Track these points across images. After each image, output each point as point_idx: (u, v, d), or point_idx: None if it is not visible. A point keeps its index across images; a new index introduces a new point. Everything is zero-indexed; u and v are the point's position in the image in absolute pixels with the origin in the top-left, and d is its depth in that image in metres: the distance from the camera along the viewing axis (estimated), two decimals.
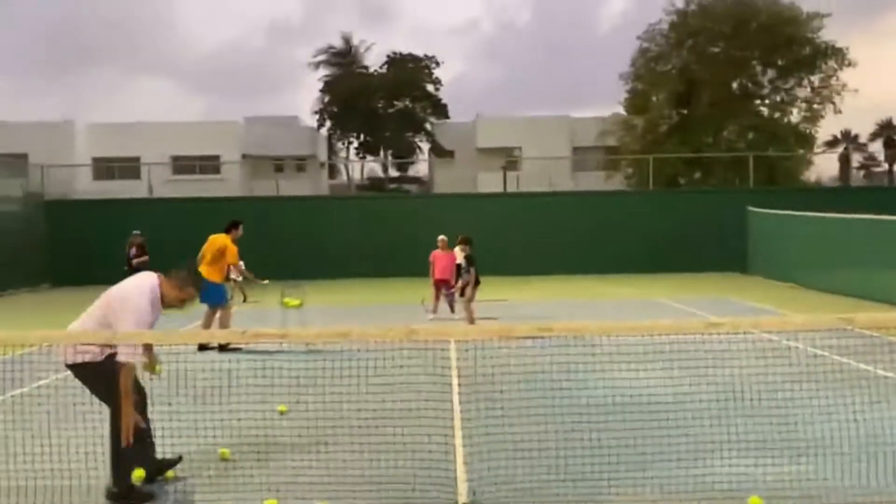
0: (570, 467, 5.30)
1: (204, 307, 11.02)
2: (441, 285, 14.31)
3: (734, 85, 35.44)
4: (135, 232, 18.13)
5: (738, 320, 5.02)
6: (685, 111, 35.03)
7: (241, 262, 13.09)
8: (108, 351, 4.70)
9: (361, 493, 4.94)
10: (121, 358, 4.60)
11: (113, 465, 4.91)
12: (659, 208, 25.69)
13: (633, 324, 4.87)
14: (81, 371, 4.85)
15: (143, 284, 4.93)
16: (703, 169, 34.38)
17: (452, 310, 14.20)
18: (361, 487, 5.01)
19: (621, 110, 36.97)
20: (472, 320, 12.63)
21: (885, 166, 53.17)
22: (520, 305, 16.51)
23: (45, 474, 5.09)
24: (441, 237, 14.63)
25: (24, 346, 9.18)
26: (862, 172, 52.04)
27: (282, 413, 6.98)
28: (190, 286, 5.12)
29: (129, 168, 36.59)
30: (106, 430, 5.01)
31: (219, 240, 11.25)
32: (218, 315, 11.13)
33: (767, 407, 6.45)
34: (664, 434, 5.61)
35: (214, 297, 11.08)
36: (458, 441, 6.03)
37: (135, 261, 16.99)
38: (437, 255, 14.43)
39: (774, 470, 5.21)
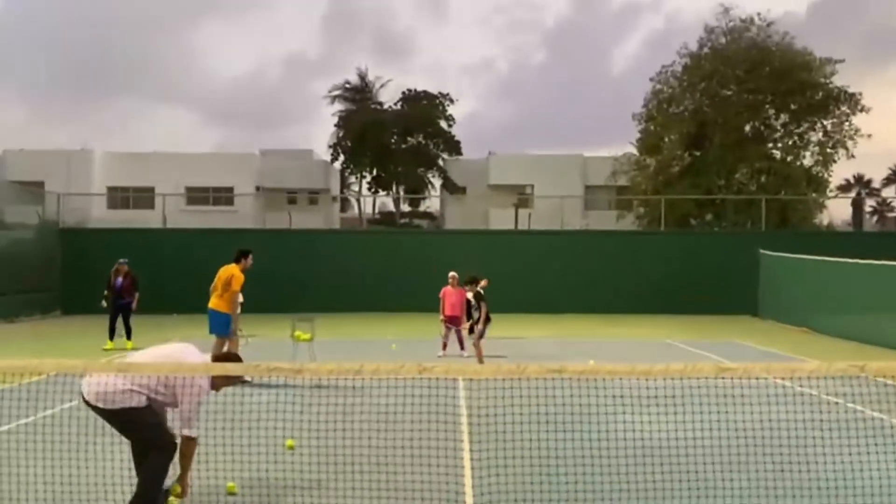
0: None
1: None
2: (451, 322, 14.29)
3: (747, 128, 35.59)
4: (121, 260, 16.48)
5: (750, 365, 5.00)
6: (697, 153, 35.17)
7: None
8: (148, 399, 4.89)
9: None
10: (192, 434, 4.99)
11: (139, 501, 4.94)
12: (670, 249, 25.70)
13: (645, 367, 4.87)
14: (120, 420, 4.92)
15: (205, 385, 5.08)
16: (715, 211, 34.41)
17: (462, 346, 14.17)
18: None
19: (633, 150, 37.18)
20: (480, 358, 12.60)
21: None
22: (530, 344, 16.47)
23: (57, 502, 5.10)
24: (451, 273, 14.66)
25: (36, 375, 9.25)
26: (875, 217, 51.91)
27: (290, 448, 6.96)
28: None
29: (143, 198, 36.96)
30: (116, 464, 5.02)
31: (228, 270, 11.26)
32: (226, 346, 11.14)
33: (779, 453, 6.39)
34: (673, 478, 5.57)
35: (222, 327, 11.10)
36: (468, 481, 6.00)
37: (129, 301, 15.87)
38: (448, 292, 14.43)
39: None
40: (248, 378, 10.35)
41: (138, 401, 4.84)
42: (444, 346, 14.25)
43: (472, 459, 6.44)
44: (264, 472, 6.20)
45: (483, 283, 13.54)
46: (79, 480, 5.40)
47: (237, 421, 6.78)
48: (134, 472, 5.18)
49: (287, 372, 4.49)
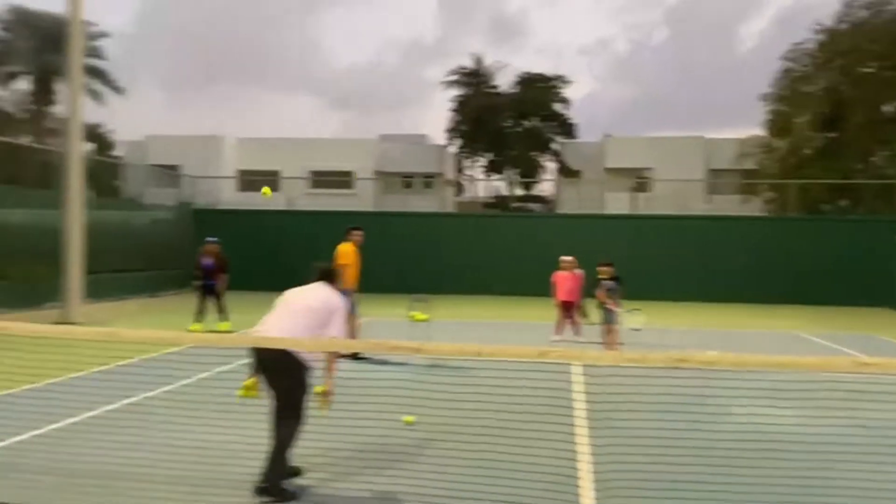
0: (700, 502, 5.09)
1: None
2: (565, 307, 14.12)
3: (887, 107, 33.04)
4: (209, 239, 15.43)
5: (891, 361, 4.66)
6: (832, 134, 32.98)
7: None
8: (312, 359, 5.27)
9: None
10: (339, 333, 5.43)
11: (273, 464, 5.16)
12: (800, 236, 24.33)
13: (779, 359, 4.64)
14: (287, 364, 5.16)
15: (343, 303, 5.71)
16: (850, 196, 32.21)
17: (577, 332, 13.99)
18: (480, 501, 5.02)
19: (760, 132, 35.32)
20: (613, 345, 12.27)
21: None
22: (649, 332, 16.04)
23: (196, 466, 5.44)
24: (564, 258, 14.43)
25: (177, 346, 9.87)
26: None
27: (408, 424, 7.11)
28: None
29: (270, 181, 38.60)
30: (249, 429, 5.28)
31: (340, 248, 11.51)
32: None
33: None
34: (804, 476, 5.28)
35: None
36: (584, 466, 5.93)
37: (217, 283, 14.94)
38: (561, 277, 14.24)
39: None
40: (367, 355, 10.68)
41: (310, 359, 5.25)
42: (559, 330, 14.11)
43: (591, 445, 6.35)
44: (381, 446, 6.37)
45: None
46: (213, 445, 5.73)
47: (358, 395, 6.98)
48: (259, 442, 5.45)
49: (409, 350, 4.57)
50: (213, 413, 6.67)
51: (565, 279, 14.16)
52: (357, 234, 11.67)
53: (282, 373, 5.21)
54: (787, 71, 34.13)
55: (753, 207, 33.04)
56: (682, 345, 13.90)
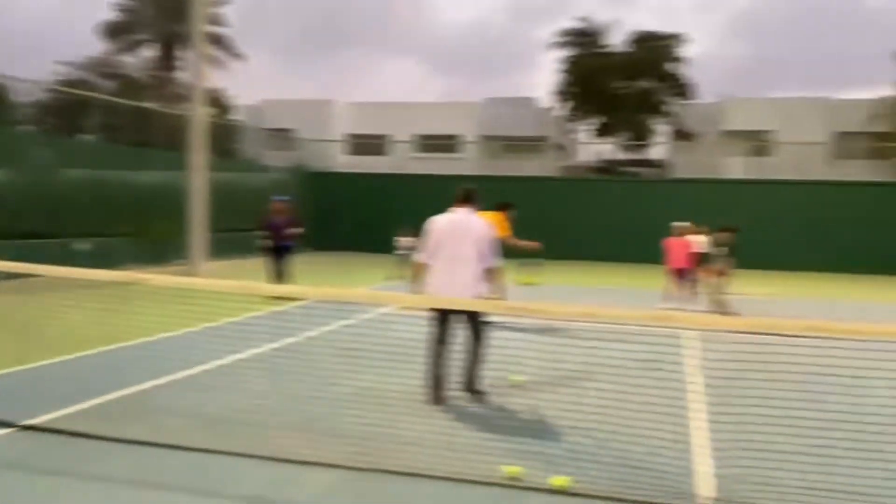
0: (829, 478, 4.90)
1: None
2: (677, 274, 13.77)
3: None
4: (277, 197, 14.45)
5: None
6: None
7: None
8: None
9: (600, 472, 4.97)
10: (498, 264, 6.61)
11: (472, 373, 6.64)
12: None
13: None
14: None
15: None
16: None
17: (690, 300, 13.64)
18: (599, 467, 5.03)
19: (892, 92, 32.75)
20: (726, 311, 12.03)
21: None
22: (767, 302, 15.44)
23: (317, 413, 5.71)
24: (677, 224, 14.03)
25: (299, 300, 10.29)
26: None
27: (518, 384, 7.18)
28: None
29: (376, 144, 39.30)
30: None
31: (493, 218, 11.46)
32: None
33: None
34: None
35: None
36: (702, 433, 5.83)
37: (289, 244, 13.74)
38: (673, 243, 13.88)
39: None
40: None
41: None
42: (669, 298, 13.79)
43: (709, 413, 6.23)
44: (494, 406, 6.48)
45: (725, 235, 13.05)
46: (334, 394, 6.00)
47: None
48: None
49: (528, 311, 4.62)
50: (334, 365, 6.96)
51: (677, 245, 13.80)
52: (510, 211, 11.59)
53: (469, 315, 6.46)
54: None
55: (885, 172, 30.90)
56: (805, 316, 13.30)
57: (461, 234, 6.50)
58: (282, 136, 34.52)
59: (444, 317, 6.45)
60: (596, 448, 5.36)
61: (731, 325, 4.93)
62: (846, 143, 35.39)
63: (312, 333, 8.73)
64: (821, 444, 5.32)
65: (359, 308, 10.56)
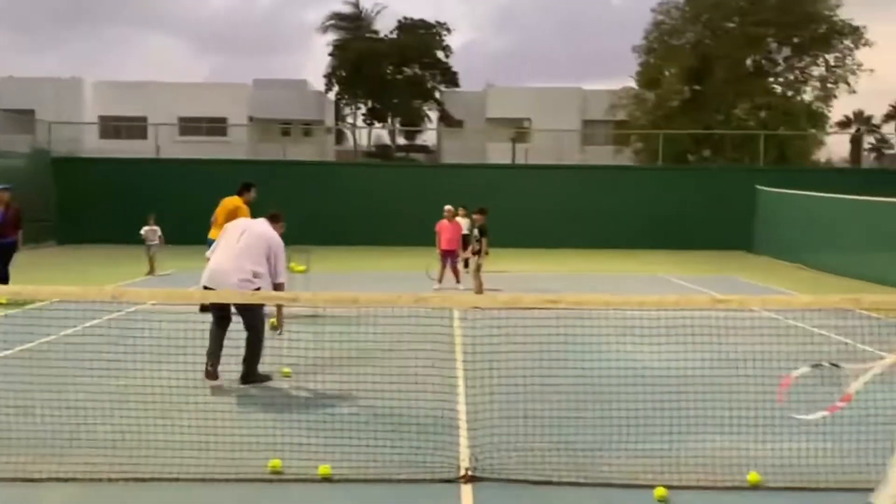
0: (572, 437, 5.37)
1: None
2: (447, 256, 14.31)
3: (748, 62, 35.01)
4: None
5: (745, 297, 5.03)
6: (697, 87, 34.65)
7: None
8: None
9: (365, 456, 5.00)
10: (283, 281, 6.95)
11: (251, 362, 6.81)
12: (666, 184, 25.63)
13: (641, 298, 4.90)
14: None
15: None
16: (713, 146, 34.14)
17: (458, 280, 14.23)
18: (364, 451, 5.07)
19: (633, 84, 36.60)
20: (480, 290, 12.69)
21: None
22: (525, 277, 16.55)
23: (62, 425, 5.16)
24: (447, 207, 14.60)
25: (35, 301, 9.28)
26: (873, 155, 51.56)
27: (285, 376, 7.04)
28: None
29: (136, 128, 36.48)
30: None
31: (232, 202, 11.05)
32: None
33: (770, 384, 6.47)
34: (666, 408, 5.64)
35: None
36: (462, 409, 6.09)
37: (12, 240, 12.23)
38: (444, 226, 14.40)
39: (773, 447, 5.27)
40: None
41: (259, 283, 6.70)
42: (440, 278, 14.29)
43: (466, 388, 6.53)
44: (261, 398, 6.28)
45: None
46: (77, 406, 5.46)
47: (231, 349, 6.82)
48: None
49: (284, 300, 4.50)
50: (75, 370, 6.33)
51: (447, 228, 14.32)
52: (252, 192, 11.17)
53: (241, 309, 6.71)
54: (657, 24, 35.36)
55: (624, 157, 34.40)
56: (554, 289, 14.44)
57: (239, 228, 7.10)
58: (20, 119, 30.81)
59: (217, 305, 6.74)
60: (362, 432, 5.39)
61: (484, 302, 5.17)
62: (593, 130, 38.96)
63: (50, 338, 7.87)
64: (573, 406, 5.80)
65: (106, 307, 9.68)
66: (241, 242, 6.79)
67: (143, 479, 4.63)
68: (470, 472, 4.82)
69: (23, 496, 4.40)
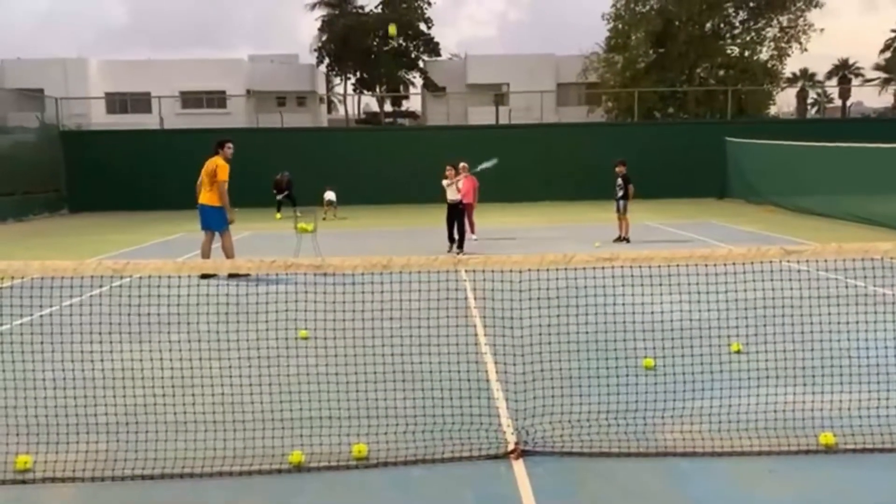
0: (622, 400, 4.40)
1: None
2: (468, 207, 13.00)
3: (708, 25, 33.72)
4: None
5: (819, 247, 4.05)
6: (662, 50, 33.33)
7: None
8: None
9: (398, 434, 4.03)
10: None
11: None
12: (638, 139, 24.52)
13: (705, 252, 3.91)
14: None
15: None
16: (677, 104, 33.07)
17: (473, 230, 13.16)
18: (396, 428, 4.10)
19: (601, 51, 35.16)
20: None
21: (839, 102, 51.97)
22: (521, 230, 15.55)
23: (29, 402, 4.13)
24: (463, 164, 13.05)
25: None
26: (815, 108, 50.71)
27: (303, 338, 6.00)
28: None
29: (140, 102, 34.69)
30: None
31: (212, 162, 9.89)
32: (222, 242, 9.98)
33: (792, 331, 5.54)
34: (715, 362, 4.71)
35: (215, 221, 9.92)
36: (492, 374, 5.13)
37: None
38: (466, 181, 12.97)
39: (843, 400, 4.33)
40: (250, 274, 9.29)
41: None
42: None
43: (494, 350, 5.54)
44: (280, 367, 5.26)
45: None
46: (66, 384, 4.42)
47: (251, 314, 5.79)
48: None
49: (311, 268, 3.48)
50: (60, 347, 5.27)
51: (467, 183, 12.98)
52: (229, 148, 10.05)
53: None
54: None
55: (597, 116, 33.28)
56: (552, 237, 13.50)
57: None
58: (30, 96, 28.96)
59: None
60: (390, 405, 4.41)
61: (535, 262, 4.15)
62: (566, 91, 37.60)
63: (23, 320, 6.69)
64: (615, 364, 4.85)
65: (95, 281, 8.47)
66: None
67: (152, 477, 3.62)
68: (521, 447, 3.86)
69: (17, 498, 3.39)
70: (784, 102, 45.25)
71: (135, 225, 17.80)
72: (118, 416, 4.29)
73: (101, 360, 4.70)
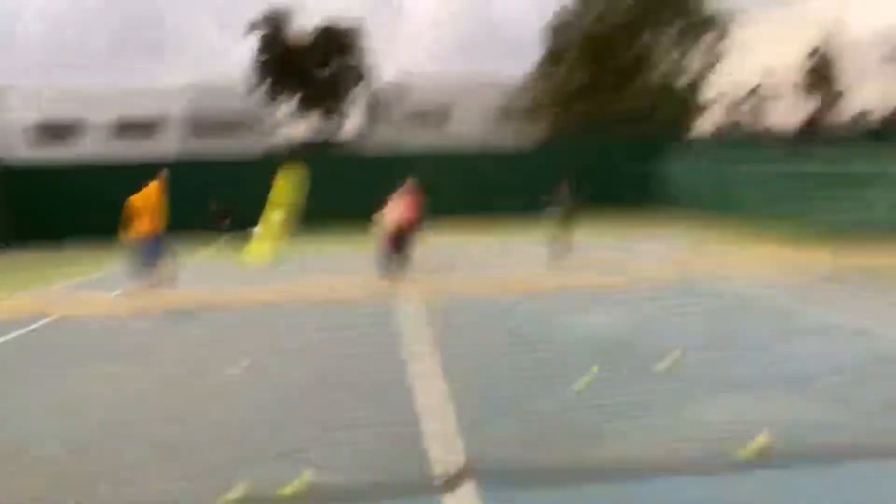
0: (563, 418, 4.62)
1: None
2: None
3: (635, 48, 35.40)
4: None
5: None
6: (593, 72, 34.70)
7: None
8: None
9: (346, 454, 4.14)
10: None
11: None
12: (575, 156, 25.31)
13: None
14: None
15: None
16: (610, 120, 34.46)
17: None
18: (345, 448, 4.21)
19: (536, 72, 36.39)
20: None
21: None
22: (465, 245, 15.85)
23: None
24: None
25: None
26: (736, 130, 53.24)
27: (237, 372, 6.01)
28: None
29: (70, 131, 33.67)
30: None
31: (146, 191, 9.84)
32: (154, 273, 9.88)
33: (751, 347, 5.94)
34: (647, 377, 5.00)
35: (155, 252, 9.81)
36: (431, 396, 5.30)
37: None
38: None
39: (780, 408, 4.65)
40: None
41: None
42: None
43: (444, 376, 5.70)
44: (218, 398, 5.30)
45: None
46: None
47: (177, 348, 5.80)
48: None
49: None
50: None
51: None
52: (162, 174, 10.02)
53: None
54: (555, 24, 35.50)
55: (535, 134, 34.38)
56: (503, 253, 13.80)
57: None
58: None
59: None
60: (339, 427, 4.52)
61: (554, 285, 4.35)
62: (506, 112, 38.51)
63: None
64: (550, 382, 5.07)
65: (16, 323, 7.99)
66: None
67: None
68: (460, 471, 3.99)
69: None
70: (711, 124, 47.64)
71: (64, 260, 17.26)
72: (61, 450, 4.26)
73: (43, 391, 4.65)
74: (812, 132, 42.07)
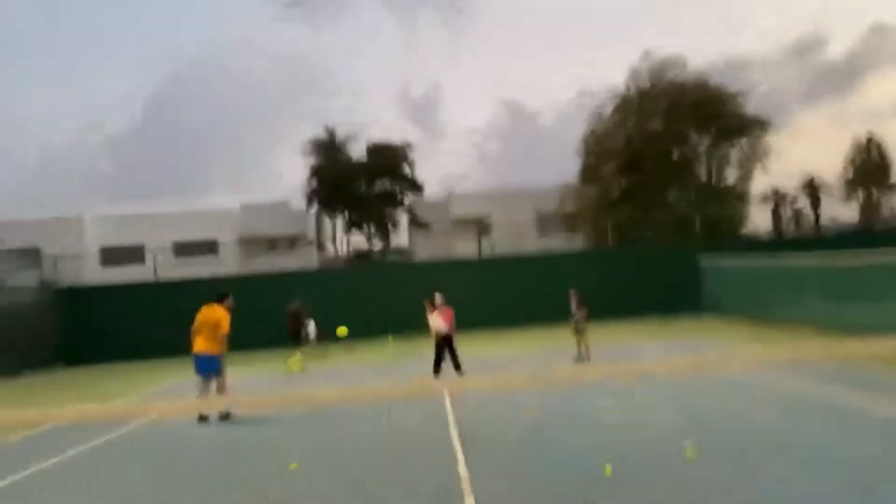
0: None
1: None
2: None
3: (675, 155, 36.28)
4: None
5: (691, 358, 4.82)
6: (634, 178, 35.56)
7: None
8: None
9: None
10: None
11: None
12: (616, 263, 25.79)
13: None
14: None
15: None
16: (651, 229, 34.79)
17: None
18: None
19: (575, 181, 37.48)
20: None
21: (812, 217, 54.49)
22: (503, 357, 16.21)
23: None
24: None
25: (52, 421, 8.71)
26: (791, 225, 52.92)
27: (293, 469, 6.57)
28: None
29: (135, 254, 36.10)
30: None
31: (214, 312, 10.63)
32: (219, 382, 10.61)
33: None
34: (691, 478, 5.34)
35: (213, 367, 10.54)
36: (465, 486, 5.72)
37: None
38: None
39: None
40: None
41: None
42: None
43: (469, 467, 6.13)
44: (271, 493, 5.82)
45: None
46: None
47: (244, 450, 6.39)
48: None
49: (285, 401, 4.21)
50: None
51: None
52: (230, 299, 10.97)
53: None
54: (592, 132, 36.79)
55: (577, 243, 34.83)
56: (547, 362, 14.11)
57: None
58: (27, 256, 30.26)
59: None
60: None
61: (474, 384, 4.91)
62: (545, 222, 39.56)
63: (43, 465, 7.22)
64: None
65: (108, 426, 9.00)
66: None
67: None
68: None
69: None
70: (763, 221, 47.51)
71: (130, 374, 18.29)
72: None
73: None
74: (868, 227, 41.65)
